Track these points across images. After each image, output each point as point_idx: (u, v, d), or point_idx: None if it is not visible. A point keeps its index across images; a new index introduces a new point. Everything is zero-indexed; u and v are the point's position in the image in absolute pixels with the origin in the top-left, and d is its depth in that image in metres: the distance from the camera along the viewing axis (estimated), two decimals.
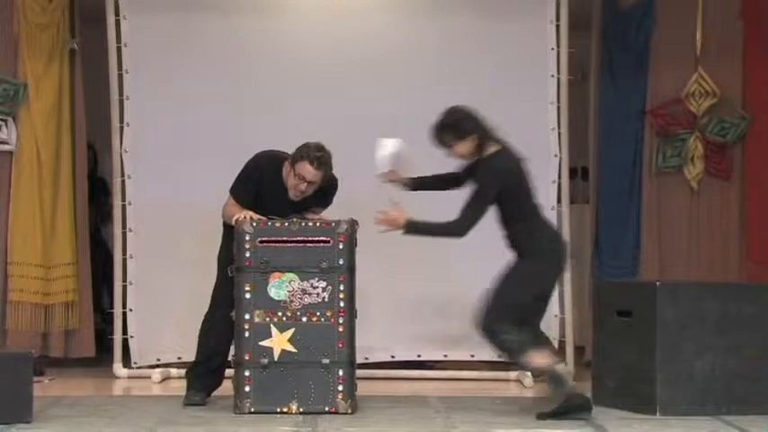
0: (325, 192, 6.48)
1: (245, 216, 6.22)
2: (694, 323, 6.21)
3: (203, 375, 6.50)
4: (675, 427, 5.80)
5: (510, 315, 6.02)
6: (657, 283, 6.32)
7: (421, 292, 7.95)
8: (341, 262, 6.18)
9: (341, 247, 6.18)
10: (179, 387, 7.35)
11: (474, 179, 6.13)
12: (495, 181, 6.09)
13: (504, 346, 6.07)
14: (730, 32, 8.14)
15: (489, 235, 7.53)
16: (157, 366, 7.87)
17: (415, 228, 6.11)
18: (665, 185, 8.19)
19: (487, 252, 7.70)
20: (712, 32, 8.13)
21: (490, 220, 7.18)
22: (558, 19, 7.93)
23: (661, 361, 6.15)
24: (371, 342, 7.55)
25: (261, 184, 6.39)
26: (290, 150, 6.36)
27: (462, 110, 6.23)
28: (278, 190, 6.36)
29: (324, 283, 6.17)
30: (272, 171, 6.39)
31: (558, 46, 7.92)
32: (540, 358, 5.99)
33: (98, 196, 9.22)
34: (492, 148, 6.17)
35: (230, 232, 6.35)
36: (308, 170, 6.25)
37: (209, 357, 6.49)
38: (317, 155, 6.25)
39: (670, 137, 8.19)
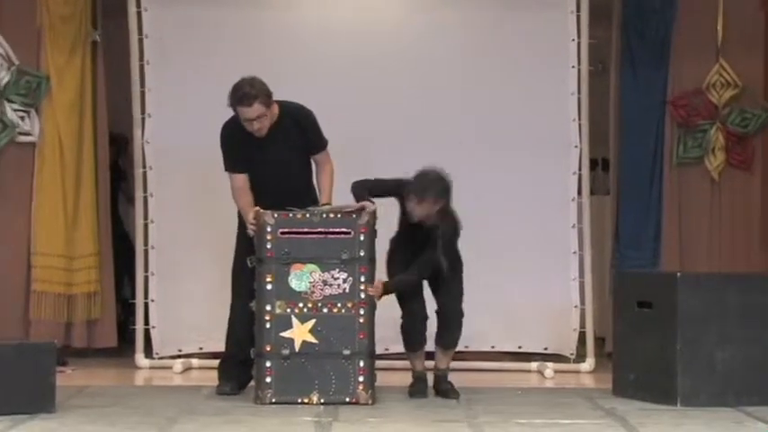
0: (304, 127, 6.46)
1: (253, 215, 6.25)
2: (715, 314, 6.20)
3: (231, 366, 6.53)
4: (696, 418, 5.80)
5: None
6: (678, 274, 6.32)
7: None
8: (362, 253, 6.19)
9: (362, 238, 6.19)
10: (200, 377, 7.43)
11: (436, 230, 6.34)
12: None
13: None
14: (751, 23, 8.10)
15: (505, 231, 7.57)
16: (179, 357, 7.90)
17: (393, 287, 6.35)
18: (686, 176, 8.17)
19: (504, 246, 7.76)
20: (733, 23, 8.10)
21: (505, 219, 7.21)
22: (578, 9, 7.91)
23: (682, 352, 6.15)
24: (391, 333, 7.56)
25: (240, 143, 6.42)
26: None
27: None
28: (256, 139, 6.40)
29: (344, 275, 6.18)
30: (238, 127, 6.42)
31: (579, 37, 7.91)
32: None
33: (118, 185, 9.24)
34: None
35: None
36: (244, 112, 6.30)
37: (236, 349, 6.50)
38: (239, 95, 6.27)
39: (691, 128, 8.17)
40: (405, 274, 6.40)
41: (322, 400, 6.11)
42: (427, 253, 6.37)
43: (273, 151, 6.45)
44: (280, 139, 6.45)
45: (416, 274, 6.41)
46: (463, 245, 7.36)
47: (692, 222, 8.14)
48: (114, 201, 8.81)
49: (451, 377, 6.61)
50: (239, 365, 6.47)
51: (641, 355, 6.35)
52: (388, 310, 6.52)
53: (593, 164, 8.65)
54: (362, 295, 6.19)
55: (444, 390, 6.54)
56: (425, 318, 6.50)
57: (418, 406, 6.18)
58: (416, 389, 6.55)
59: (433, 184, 6.36)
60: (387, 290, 6.33)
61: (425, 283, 6.53)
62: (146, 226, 7.96)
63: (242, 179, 6.50)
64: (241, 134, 6.45)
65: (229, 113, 6.47)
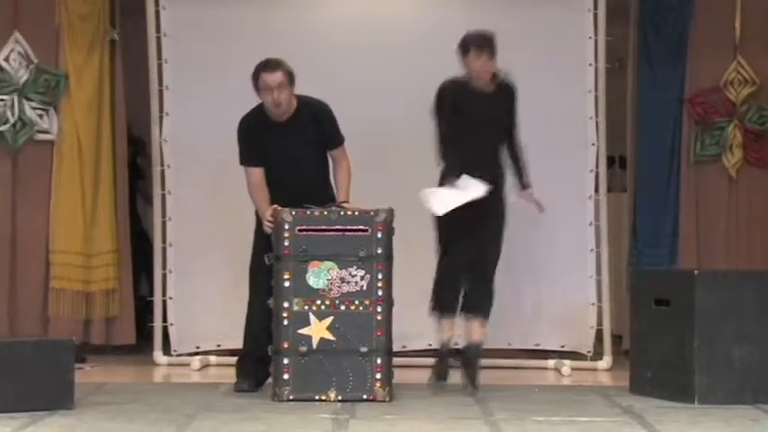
0: (320, 120, 6.51)
1: (271, 212, 6.28)
2: (733, 311, 6.19)
3: (249, 363, 6.56)
4: (714, 415, 5.80)
5: None
6: (696, 272, 6.34)
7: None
8: (379, 251, 6.21)
9: (379, 235, 6.21)
10: (218, 374, 7.45)
11: (505, 105, 6.57)
12: None
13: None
14: None
15: (522, 229, 7.56)
16: (197, 354, 7.93)
17: None
18: (704, 174, 8.17)
19: (521, 244, 7.75)
20: (751, 20, 8.09)
21: (522, 216, 7.21)
22: (595, 7, 7.92)
23: (699, 349, 6.15)
24: (409, 330, 7.58)
25: (257, 136, 6.47)
26: None
27: None
28: (274, 132, 6.45)
29: (362, 272, 6.20)
30: (256, 118, 6.50)
31: (596, 34, 7.92)
32: None
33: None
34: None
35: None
36: (266, 79, 6.38)
37: (253, 346, 6.52)
38: (264, 62, 6.43)
39: (708, 125, 8.16)
40: (520, 160, 6.62)
41: (339, 398, 6.13)
42: (514, 119, 6.60)
43: (290, 145, 6.47)
44: (296, 132, 6.48)
45: (518, 145, 6.66)
46: None
47: (709, 220, 8.14)
48: (133, 199, 8.85)
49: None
50: (257, 362, 6.49)
51: (658, 353, 6.35)
52: (406, 308, 6.54)
53: (611, 161, 8.65)
54: (380, 292, 6.20)
55: (470, 373, 6.48)
56: (459, 285, 6.49)
57: (435, 403, 6.19)
58: (440, 368, 6.50)
59: (490, 38, 6.56)
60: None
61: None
62: (164, 223, 8.00)
63: (258, 173, 6.52)
64: (258, 127, 6.50)
65: (248, 109, 6.51)
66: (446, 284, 6.56)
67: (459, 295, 6.56)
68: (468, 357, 6.58)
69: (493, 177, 6.53)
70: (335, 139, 6.59)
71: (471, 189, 6.42)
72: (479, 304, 6.60)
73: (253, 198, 6.54)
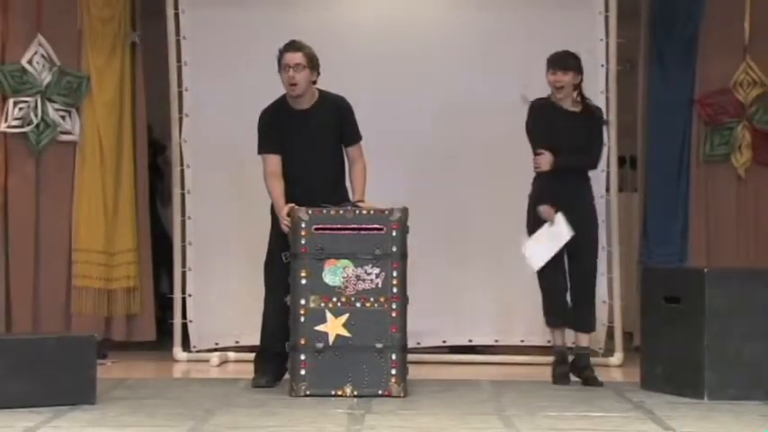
0: (342, 115, 6.61)
1: (287, 211, 6.34)
2: (742, 309, 6.22)
3: (266, 359, 6.61)
4: (724, 411, 5.81)
5: None
6: (705, 270, 6.36)
7: (472, 278, 8.01)
8: (394, 249, 6.26)
9: (394, 234, 6.26)
10: (236, 370, 7.48)
11: (590, 126, 6.86)
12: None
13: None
14: None
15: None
16: (216, 350, 7.98)
17: (563, 163, 6.78)
18: (713, 174, 8.17)
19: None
20: (761, 22, 8.08)
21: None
22: (606, 9, 7.94)
23: (709, 346, 6.18)
24: (423, 327, 7.64)
25: (277, 126, 6.54)
26: None
27: None
28: (295, 121, 6.52)
29: (377, 270, 6.25)
30: (278, 107, 6.58)
31: (607, 36, 7.94)
32: None
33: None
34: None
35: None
36: (286, 57, 6.50)
37: (269, 342, 6.58)
38: (290, 41, 6.56)
39: (717, 126, 8.16)
40: (577, 157, 6.76)
41: (355, 393, 6.18)
42: (597, 140, 6.84)
43: (309, 134, 6.52)
44: (317, 123, 6.54)
45: (589, 158, 6.81)
46: (495, 240, 7.46)
47: (718, 219, 8.14)
48: (153, 199, 8.91)
49: (481, 371, 6.65)
50: (274, 358, 6.54)
51: (669, 350, 6.38)
52: (421, 305, 6.61)
53: (622, 161, 8.67)
54: (395, 290, 6.25)
55: (586, 376, 6.78)
56: (565, 290, 6.77)
57: (449, 399, 6.22)
58: (559, 372, 6.83)
59: (570, 56, 6.84)
60: (557, 164, 6.65)
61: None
62: (183, 222, 8.07)
63: (275, 161, 6.53)
64: (279, 116, 6.56)
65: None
66: (549, 302, 6.95)
67: (565, 305, 6.96)
68: (577, 367, 6.96)
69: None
70: (354, 137, 6.63)
71: (564, 234, 6.72)
72: (578, 321, 6.97)
73: (269, 187, 6.54)
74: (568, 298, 6.84)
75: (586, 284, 6.85)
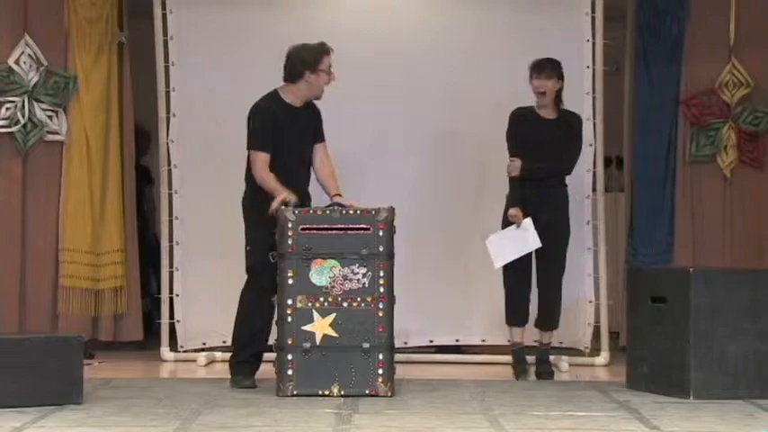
0: (318, 113, 6.72)
1: (282, 199, 6.35)
2: (727, 309, 6.25)
3: (248, 359, 6.61)
4: (709, 410, 5.84)
5: None
6: (691, 270, 6.37)
7: (460, 278, 8.03)
8: (381, 249, 6.28)
9: (381, 234, 6.28)
10: (223, 370, 7.40)
11: (566, 133, 7.06)
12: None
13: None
14: (763, 23, 8.11)
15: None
16: (203, 350, 7.99)
17: (532, 170, 7.05)
18: (699, 174, 8.19)
19: None
20: (745, 23, 8.11)
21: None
22: (593, 11, 7.97)
23: (694, 346, 6.21)
24: (410, 327, 7.66)
25: (277, 119, 6.55)
26: None
27: None
28: (291, 118, 6.56)
29: (364, 269, 6.27)
30: (274, 104, 6.60)
31: (594, 37, 7.98)
32: None
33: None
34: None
35: (260, 195, 6.50)
36: (329, 60, 6.59)
37: (252, 341, 6.60)
38: (321, 45, 6.62)
39: (703, 126, 8.18)
40: (548, 163, 6.99)
41: (342, 393, 6.19)
42: (571, 146, 7.02)
43: (299, 130, 6.60)
44: (306, 120, 6.64)
45: (561, 165, 7.01)
46: (482, 240, 7.48)
47: (704, 219, 8.17)
48: (140, 201, 8.90)
49: (468, 370, 6.68)
50: (255, 358, 6.59)
51: (655, 349, 6.41)
52: (407, 305, 6.62)
53: (608, 162, 8.71)
54: (382, 290, 6.27)
55: (541, 370, 7.13)
56: (528, 295, 7.07)
57: (436, 398, 6.24)
58: (521, 369, 7.14)
59: (552, 62, 7.03)
60: (525, 170, 6.89)
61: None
62: (170, 222, 8.07)
63: (267, 158, 6.53)
64: (277, 113, 6.57)
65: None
66: (510, 305, 7.33)
67: (526, 309, 7.33)
68: (538, 363, 7.33)
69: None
70: (323, 134, 6.76)
71: (530, 241, 6.96)
72: (543, 321, 7.36)
73: (267, 181, 6.50)
74: (533, 296, 7.19)
75: (553, 285, 7.16)
